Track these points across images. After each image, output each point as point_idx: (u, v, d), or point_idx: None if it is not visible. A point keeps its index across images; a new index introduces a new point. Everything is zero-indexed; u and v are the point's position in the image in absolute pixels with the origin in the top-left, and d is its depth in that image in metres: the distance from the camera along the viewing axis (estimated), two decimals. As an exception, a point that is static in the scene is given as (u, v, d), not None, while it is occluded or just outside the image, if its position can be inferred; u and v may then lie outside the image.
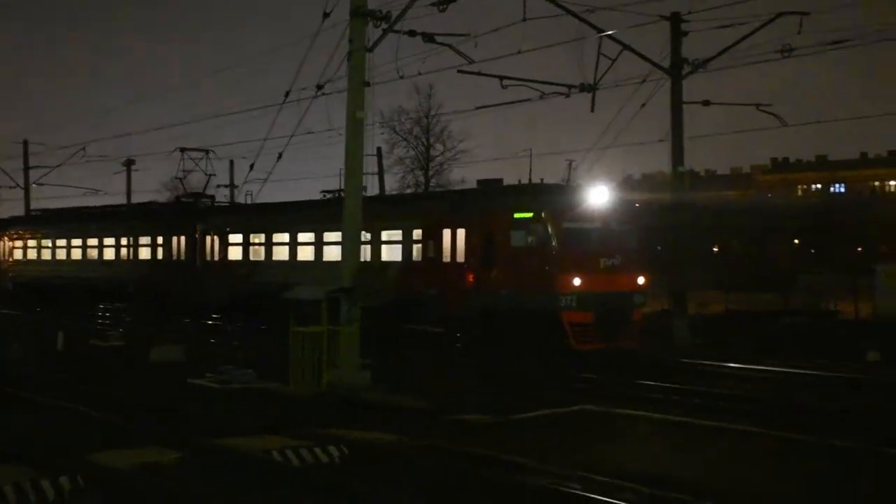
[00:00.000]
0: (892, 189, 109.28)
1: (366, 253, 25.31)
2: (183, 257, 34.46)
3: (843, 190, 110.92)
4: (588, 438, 13.56)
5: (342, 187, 24.04)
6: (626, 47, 24.92)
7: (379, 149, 46.38)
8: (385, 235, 27.00)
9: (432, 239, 25.30)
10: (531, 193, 25.14)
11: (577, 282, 21.99)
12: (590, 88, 24.95)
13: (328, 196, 31.34)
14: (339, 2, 18.60)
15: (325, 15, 18.95)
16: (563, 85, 25.61)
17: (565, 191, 25.02)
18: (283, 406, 16.72)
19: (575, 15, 23.93)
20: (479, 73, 24.67)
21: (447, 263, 24.78)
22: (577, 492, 9.93)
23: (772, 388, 19.36)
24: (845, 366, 21.86)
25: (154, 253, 36.10)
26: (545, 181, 37.76)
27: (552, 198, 23.79)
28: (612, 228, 23.36)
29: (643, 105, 25.39)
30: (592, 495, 9.55)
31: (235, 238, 33.00)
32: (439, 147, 54.04)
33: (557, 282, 21.98)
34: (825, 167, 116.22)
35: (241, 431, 13.09)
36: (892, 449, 12.10)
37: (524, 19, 22.49)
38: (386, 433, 13.43)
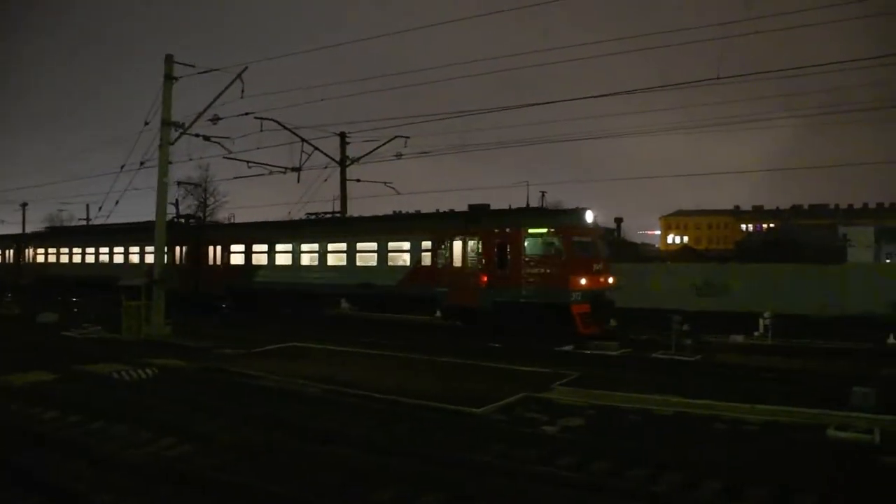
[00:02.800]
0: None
1: (372, 260, 27.82)
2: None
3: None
4: (287, 360, 18.70)
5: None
6: (316, 148, 34.37)
7: (177, 199, 60.35)
8: (392, 246, 27.51)
9: (442, 248, 25.61)
10: (545, 214, 25.67)
11: (583, 282, 22.97)
12: (296, 170, 33.47)
13: (312, 217, 32.76)
14: (156, 114, 25.08)
15: (146, 123, 25.42)
16: (282, 167, 33.77)
17: (571, 213, 25.41)
18: (118, 347, 21.23)
19: (290, 130, 32.83)
20: (236, 159, 31.56)
21: (458, 267, 25.12)
22: (278, 386, 15.35)
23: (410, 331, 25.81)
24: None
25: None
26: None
27: (563, 218, 24.61)
28: (597, 241, 24.81)
29: (325, 180, 35.30)
30: (286, 387, 14.97)
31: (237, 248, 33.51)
32: (211, 199, 71.02)
33: (569, 282, 22.69)
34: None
35: (94, 361, 17.58)
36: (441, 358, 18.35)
37: (261, 130, 30.37)
38: (179, 360, 18.51)
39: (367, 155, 35.74)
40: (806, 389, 14.16)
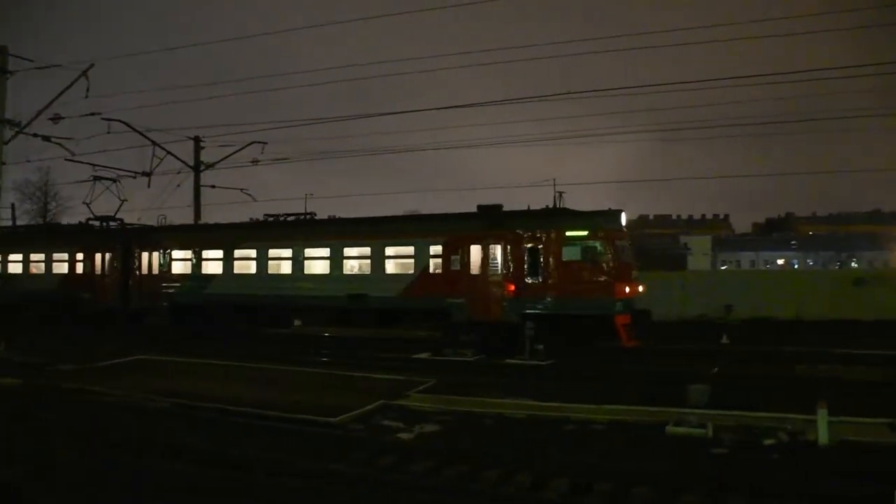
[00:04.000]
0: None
1: (365, 267, 24.59)
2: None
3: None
4: (136, 374, 17.98)
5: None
6: (168, 152, 32.88)
7: (13, 204, 56.14)
8: (391, 251, 24.33)
9: (457, 253, 22.92)
10: (583, 215, 22.67)
11: (627, 290, 21.20)
12: (147, 174, 31.88)
13: (270, 219, 28.79)
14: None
15: None
16: (131, 171, 32.24)
17: (608, 214, 22.67)
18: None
19: (140, 132, 31.28)
20: (79, 161, 29.81)
21: (476, 275, 22.54)
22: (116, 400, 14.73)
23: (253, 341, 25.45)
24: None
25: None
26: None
27: (605, 219, 22.17)
28: (630, 245, 23.17)
29: (178, 185, 34.05)
30: (131, 402, 14.23)
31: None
32: (53, 204, 66.32)
33: (614, 290, 20.81)
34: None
35: None
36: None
37: (108, 131, 28.98)
38: (11, 378, 17.19)
39: (222, 160, 34.63)
40: (649, 389, 14.96)
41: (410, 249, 23.99)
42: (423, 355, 21.90)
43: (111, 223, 32.88)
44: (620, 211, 22.87)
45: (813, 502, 8.06)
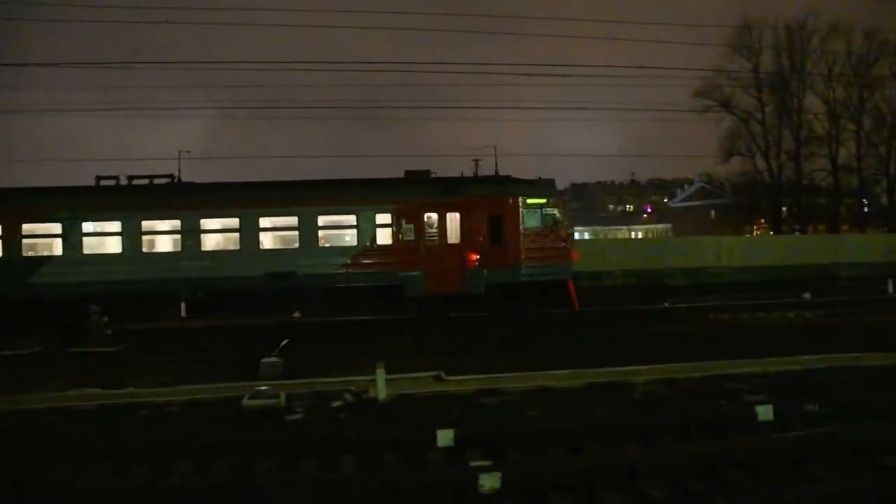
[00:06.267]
0: None
1: (291, 240, 22.04)
2: None
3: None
4: None
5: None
6: None
7: None
8: (325, 220, 21.89)
9: (410, 222, 21.60)
10: (537, 182, 23.25)
11: (577, 256, 22.07)
12: None
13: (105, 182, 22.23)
14: None
15: None
16: None
17: (551, 182, 23.71)
18: None
19: None
20: None
21: (434, 245, 21.62)
22: None
23: None
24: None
25: None
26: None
27: (555, 188, 23.06)
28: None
29: None
30: None
31: None
32: None
33: (570, 255, 21.66)
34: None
35: None
36: None
37: None
38: None
39: None
40: (225, 366, 15.33)
41: (352, 218, 22.14)
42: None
43: None
44: (553, 179, 24.47)
45: (374, 450, 9.14)
